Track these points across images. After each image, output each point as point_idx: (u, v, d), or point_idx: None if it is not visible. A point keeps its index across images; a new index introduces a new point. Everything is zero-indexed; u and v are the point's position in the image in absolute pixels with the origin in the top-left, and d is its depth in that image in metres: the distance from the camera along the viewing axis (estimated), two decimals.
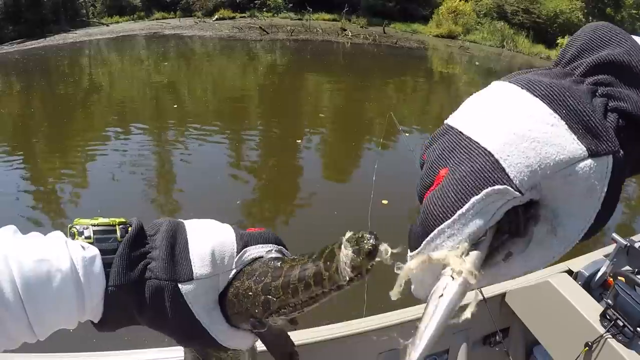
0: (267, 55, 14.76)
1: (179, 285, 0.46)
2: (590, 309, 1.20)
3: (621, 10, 19.95)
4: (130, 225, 0.48)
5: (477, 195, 0.30)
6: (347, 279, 0.37)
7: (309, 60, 14.43)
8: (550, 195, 0.31)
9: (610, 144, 0.30)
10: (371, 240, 0.35)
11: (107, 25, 18.47)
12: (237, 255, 0.49)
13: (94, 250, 0.44)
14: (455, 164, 0.32)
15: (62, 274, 0.41)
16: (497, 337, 1.46)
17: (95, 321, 0.46)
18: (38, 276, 0.40)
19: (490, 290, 1.45)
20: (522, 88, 0.33)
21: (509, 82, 0.34)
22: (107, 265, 0.44)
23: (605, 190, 0.30)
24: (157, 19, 19.42)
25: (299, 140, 7.19)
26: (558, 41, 18.21)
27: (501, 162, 0.30)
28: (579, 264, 1.36)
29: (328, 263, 0.39)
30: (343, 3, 19.64)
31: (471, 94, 0.37)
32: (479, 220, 0.30)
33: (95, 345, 2.16)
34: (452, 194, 0.31)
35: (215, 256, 0.48)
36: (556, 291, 1.26)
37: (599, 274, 1.30)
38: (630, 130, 0.32)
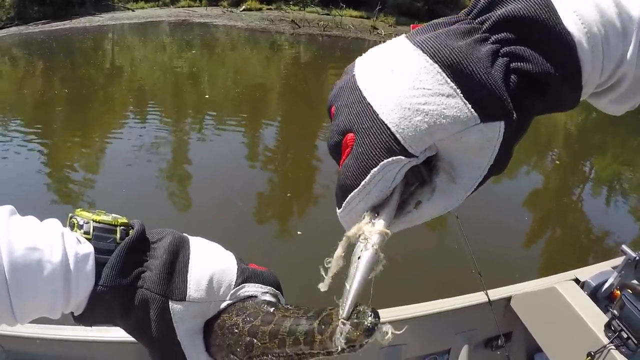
0: (299, 48, 14.71)
1: (170, 302, 0.45)
2: (595, 318, 1.19)
3: None
4: (132, 228, 0.48)
5: (375, 167, 0.34)
6: (339, 349, 0.37)
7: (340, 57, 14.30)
8: (446, 151, 0.35)
9: (503, 109, 0.32)
10: (371, 318, 0.35)
11: (133, 10, 18.63)
12: (234, 287, 0.48)
13: (89, 248, 0.44)
14: (361, 131, 0.35)
15: (52, 266, 0.40)
16: (500, 342, 1.46)
17: (76, 314, 0.45)
18: (27, 264, 0.39)
19: (496, 294, 1.45)
20: (423, 52, 0.33)
21: (413, 43, 0.35)
22: (100, 265, 0.44)
23: (498, 148, 0.33)
24: (182, 7, 19.52)
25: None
26: None
27: (397, 135, 0.33)
28: (586, 273, 1.35)
29: (323, 327, 0.38)
30: (372, 0, 19.45)
31: None
32: (381, 185, 0.35)
33: None
34: (357, 167, 0.35)
35: (213, 283, 0.47)
36: (562, 298, 1.26)
37: (606, 285, 1.29)
38: (531, 86, 0.33)
